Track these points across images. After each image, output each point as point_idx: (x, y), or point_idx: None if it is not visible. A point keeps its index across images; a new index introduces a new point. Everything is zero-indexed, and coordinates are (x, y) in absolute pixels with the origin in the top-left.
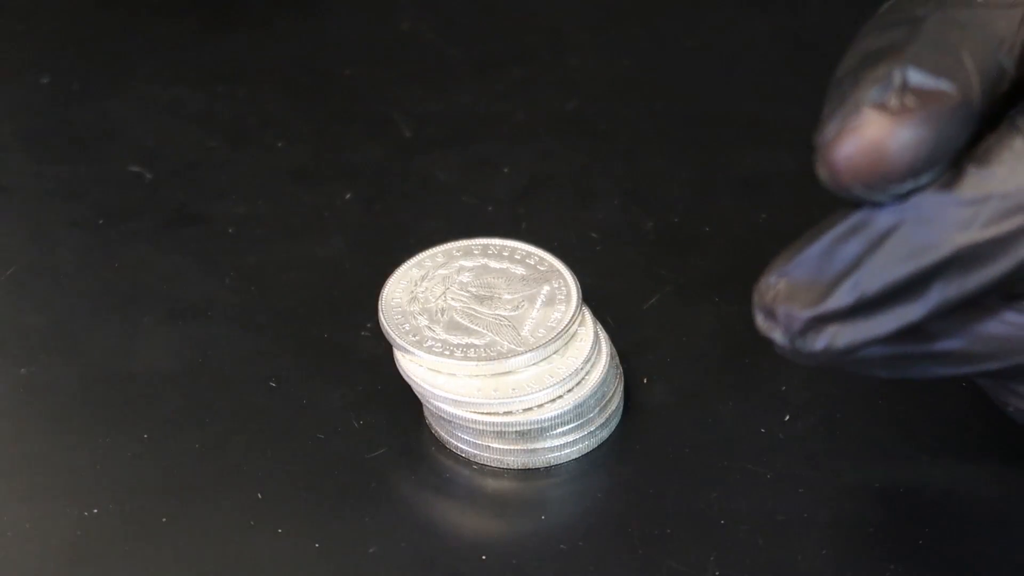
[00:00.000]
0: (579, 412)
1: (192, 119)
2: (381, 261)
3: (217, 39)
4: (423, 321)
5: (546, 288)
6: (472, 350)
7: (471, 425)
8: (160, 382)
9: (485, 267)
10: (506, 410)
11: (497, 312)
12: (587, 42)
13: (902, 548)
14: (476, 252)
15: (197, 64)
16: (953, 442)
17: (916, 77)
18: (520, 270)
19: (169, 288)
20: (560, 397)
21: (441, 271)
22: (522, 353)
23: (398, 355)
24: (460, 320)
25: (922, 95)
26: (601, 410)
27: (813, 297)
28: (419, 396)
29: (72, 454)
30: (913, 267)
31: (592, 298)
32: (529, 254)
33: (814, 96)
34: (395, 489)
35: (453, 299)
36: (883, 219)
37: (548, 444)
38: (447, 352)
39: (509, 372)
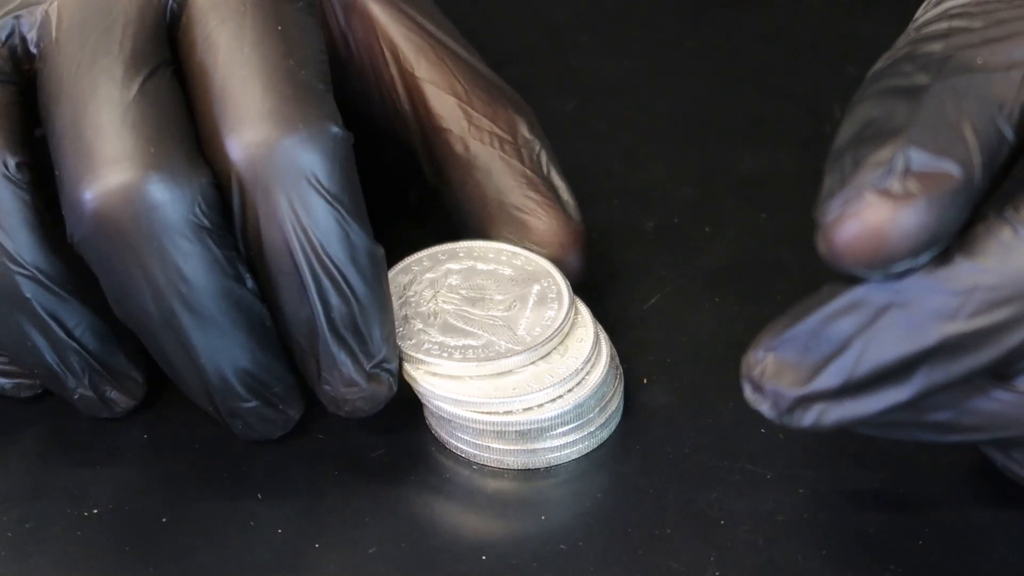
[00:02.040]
0: (579, 412)
1: None
2: None
3: None
4: (417, 325)
5: (536, 287)
6: (471, 351)
7: (471, 425)
8: (160, 382)
9: (473, 269)
10: (506, 410)
11: (490, 313)
12: (587, 42)
13: (902, 548)
14: (462, 255)
15: None
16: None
17: (919, 159)
18: (508, 271)
19: None
20: (560, 397)
21: (428, 275)
22: (521, 352)
23: None
24: (454, 322)
25: (924, 179)
26: (601, 410)
27: (801, 376)
28: (419, 396)
29: (73, 454)
30: (901, 352)
31: (592, 298)
32: (515, 254)
33: (814, 96)
34: (395, 489)
35: (444, 302)
36: (875, 301)
37: (548, 444)
38: (445, 354)
39: (510, 372)
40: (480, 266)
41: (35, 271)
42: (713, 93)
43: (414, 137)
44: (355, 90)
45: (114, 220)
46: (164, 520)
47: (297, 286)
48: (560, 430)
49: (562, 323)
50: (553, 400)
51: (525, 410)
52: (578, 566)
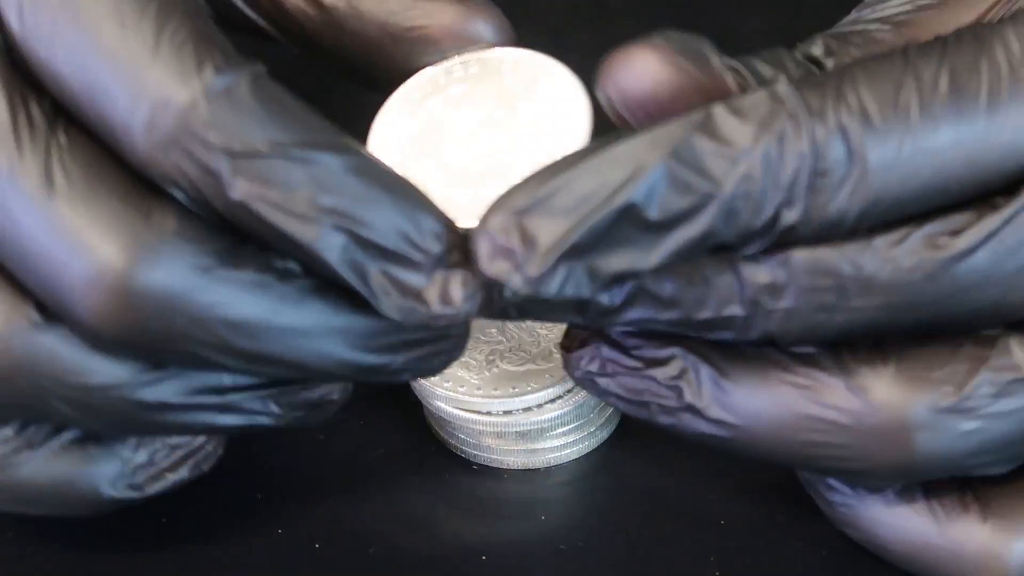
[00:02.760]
0: (579, 412)
1: None
2: None
3: None
4: None
5: None
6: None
7: (471, 425)
8: None
9: None
10: (506, 410)
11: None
12: (587, 42)
13: None
14: None
15: None
16: None
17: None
18: None
19: None
20: (560, 397)
21: None
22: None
23: None
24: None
25: None
26: (601, 410)
27: (561, 230)
28: (419, 396)
29: None
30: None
31: None
32: None
33: None
34: (395, 489)
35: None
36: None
37: (548, 444)
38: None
39: (510, 372)
40: None
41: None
42: None
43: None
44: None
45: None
46: (164, 520)
47: (303, 244)
48: (560, 430)
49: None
50: (553, 400)
51: (525, 410)
52: (578, 566)
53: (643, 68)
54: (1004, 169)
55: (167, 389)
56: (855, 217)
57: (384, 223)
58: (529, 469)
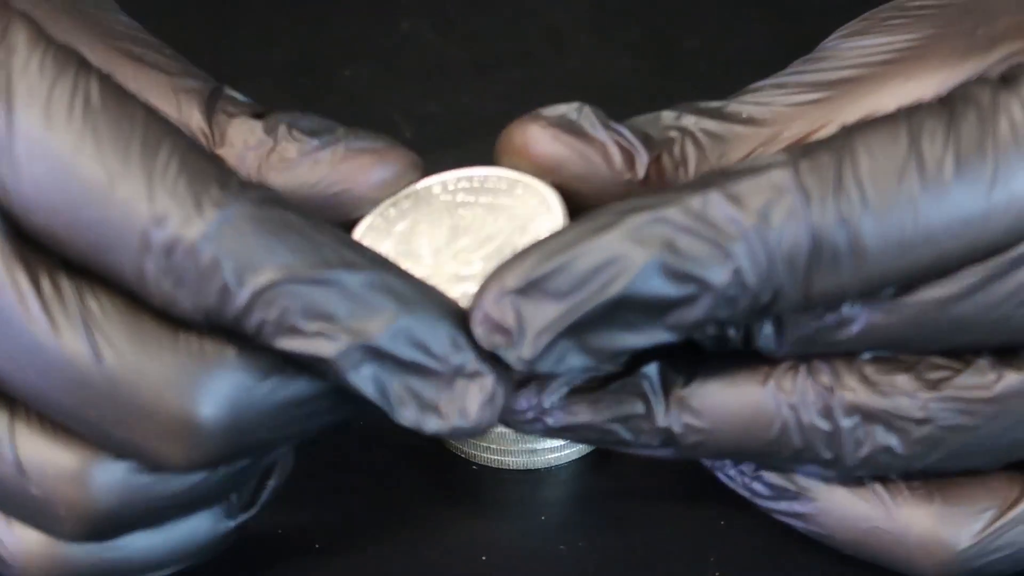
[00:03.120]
0: None
1: None
2: None
3: (217, 39)
4: None
5: None
6: None
7: None
8: None
9: None
10: None
11: None
12: (587, 42)
13: None
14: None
15: (197, 64)
16: None
17: None
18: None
19: None
20: None
21: None
22: None
23: None
24: None
25: None
26: None
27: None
28: None
29: None
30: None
31: None
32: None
33: None
34: (395, 490)
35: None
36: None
37: (548, 444)
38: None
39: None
40: None
41: None
42: (713, 94)
43: None
44: None
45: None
46: None
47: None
48: None
49: None
50: None
51: None
52: (578, 566)
53: (523, 142)
54: (1006, 241)
55: None
56: (854, 294)
57: (400, 335)
58: (529, 469)
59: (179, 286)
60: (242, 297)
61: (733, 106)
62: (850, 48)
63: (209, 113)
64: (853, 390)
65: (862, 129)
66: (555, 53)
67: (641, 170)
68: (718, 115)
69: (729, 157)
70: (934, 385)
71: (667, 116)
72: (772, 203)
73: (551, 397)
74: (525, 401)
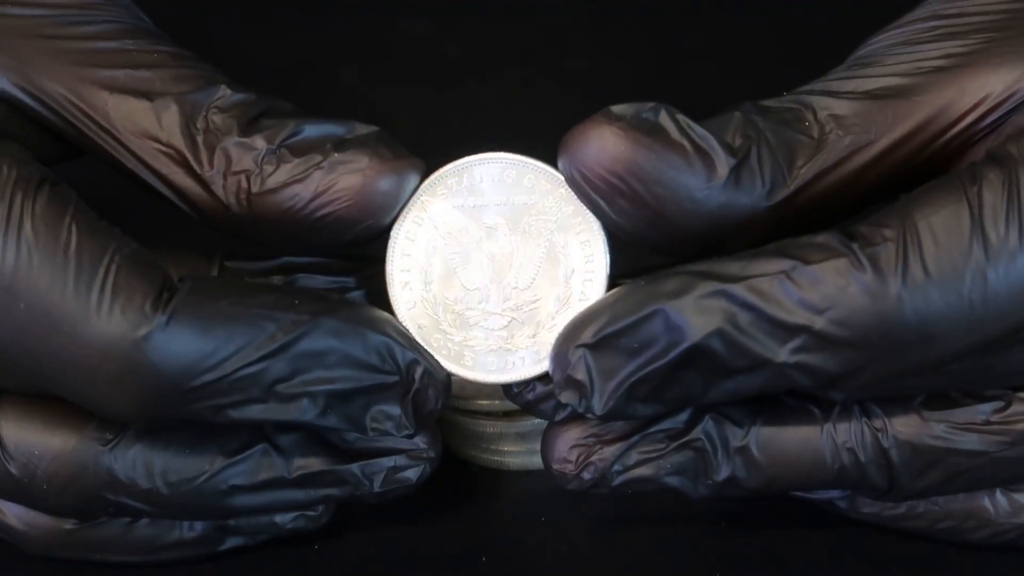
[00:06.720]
0: None
1: None
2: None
3: (216, 39)
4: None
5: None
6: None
7: (472, 427)
8: None
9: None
10: (506, 411)
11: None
12: (587, 42)
13: (902, 548)
14: None
15: None
16: None
17: None
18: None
19: None
20: None
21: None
22: None
23: None
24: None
25: None
26: None
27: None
28: None
29: None
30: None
31: None
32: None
33: None
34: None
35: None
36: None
37: None
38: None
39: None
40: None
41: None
42: (713, 94)
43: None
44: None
45: None
46: None
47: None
48: None
49: None
50: None
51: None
52: (578, 566)
53: (600, 144)
54: None
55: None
56: (926, 375)
57: (349, 373)
58: (529, 469)
59: (132, 404)
60: (193, 393)
61: (795, 110)
62: (898, 55)
63: (191, 137)
64: (908, 427)
65: (922, 207)
66: (555, 53)
67: (722, 177)
68: (783, 119)
69: (796, 164)
70: (986, 421)
71: (738, 118)
72: (838, 290)
73: (614, 469)
74: (588, 474)
